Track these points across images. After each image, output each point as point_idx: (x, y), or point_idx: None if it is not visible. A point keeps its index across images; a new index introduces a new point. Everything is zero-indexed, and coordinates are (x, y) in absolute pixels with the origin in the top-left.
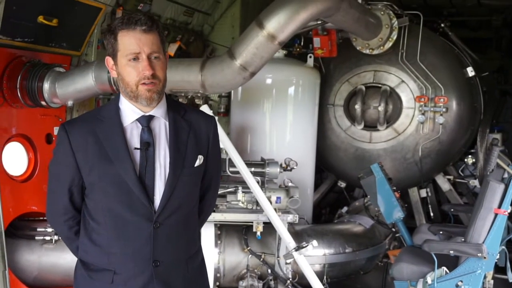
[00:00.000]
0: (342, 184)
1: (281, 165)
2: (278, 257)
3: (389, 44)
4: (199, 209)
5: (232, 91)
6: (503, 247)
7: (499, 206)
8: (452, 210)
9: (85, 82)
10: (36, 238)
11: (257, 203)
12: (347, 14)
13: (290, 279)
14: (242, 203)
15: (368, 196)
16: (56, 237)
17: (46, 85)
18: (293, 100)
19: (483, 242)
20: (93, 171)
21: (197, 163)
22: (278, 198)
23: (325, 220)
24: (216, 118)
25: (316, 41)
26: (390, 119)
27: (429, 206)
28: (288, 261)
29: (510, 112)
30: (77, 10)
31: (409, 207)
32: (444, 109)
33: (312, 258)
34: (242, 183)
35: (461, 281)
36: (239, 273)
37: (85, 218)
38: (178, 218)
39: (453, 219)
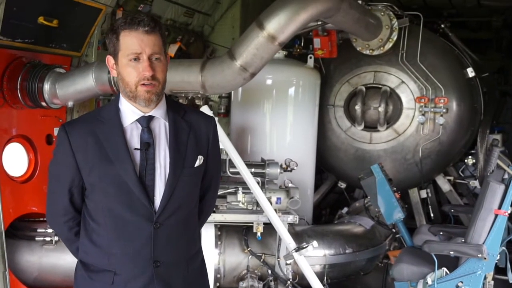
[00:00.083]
0: (342, 185)
1: (281, 165)
2: (278, 257)
3: (389, 45)
4: (199, 210)
5: (232, 92)
6: (503, 248)
7: (499, 207)
8: (452, 210)
9: (85, 83)
10: (36, 239)
11: (257, 204)
12: (347, 14)
13: (291, 280)
14: (243, 203)
15: (368, 197)
16: (56, 238)
17: (47, 86)
18: (293, 100)
19: (483, 243)
20: (93, 172)
21: (197, 163)
22: (278, 198)
23: (325, 221)
24: (216, 118)
25: (316, 42)
26: (390, 120)
27: (429, 206)
28: (288, 261)
29: (510, 113)
30: (77, 11)
31: (409, 207)
32: (444, 110)
33: (312, 258)
34: (242, 183)
35: (462, 282)
36: (239, 274)
37: (85, 219)
38: (178, 218)
39: (453, 220)
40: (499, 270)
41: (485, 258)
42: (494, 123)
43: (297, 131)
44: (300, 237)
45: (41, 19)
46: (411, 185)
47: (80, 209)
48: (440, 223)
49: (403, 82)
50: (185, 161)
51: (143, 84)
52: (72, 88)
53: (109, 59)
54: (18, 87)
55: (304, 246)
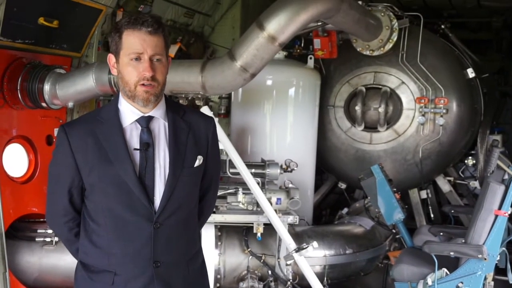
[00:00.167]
0: (343, 185)
1: (281, 166)
2: (278, 258)
3: (389, 46)
4: (199, 210)
5: (233, 92)
6: (504, 248)
7: (500, 208)
8: (452, 211)
9: (85, 84)
10: (37, 239)
11: (258, 204)
12: (347, 15)
13: (291, 280)
14: (243, 204)
15: (369, 198)
16: (56, 239)
17: (47, 87)
18: (294, 101)
19: (483, 244)
20: (93, 172)
21: (196, 163)
22: (278, 199)
23: (325, 222)
24: (217, 119)
25: (317, 43)
26: (390, 121)
27: (430, 207)
28: (288, 262)
29: (510, 114)
30: (77, 12)
31: (410, 208)
32: (444, 111)
33: (312, 259)
34: (243, 184)
35: (462, 283)
36: (240, 274)
37: (85, 220)
38: (178, 218)
39: (453, 221)
40: (499, 270)
41: (485, 259)
42: (494, 124)
43: (297, 132)
44: (300, 237)
45: (41, 20)
46: (411, 185)
47: (80, 210)
48: (440, 224)
49: (403, 82)
50: (184, 161)
51: (143, 84)
52: (72, 89)
53: (111, 57)
54: (18, 88)
55: (304, 247)
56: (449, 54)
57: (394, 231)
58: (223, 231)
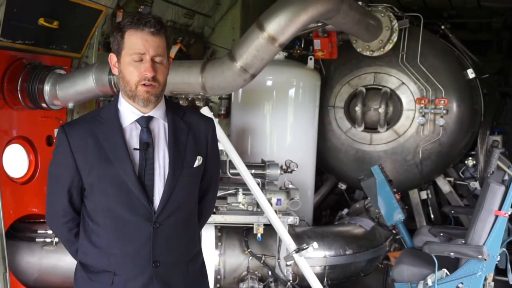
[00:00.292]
0: (343, 186)
1: (281, 167)
2: (278, 259)
3: (389, 46)
4: (199, 211)
5: (233, 93)
6: (504, 249)
7: (500, 208)
8: (452, 212)
9: (85, 84)
10: (37, 240)
11: (258, 205)
12: (347, 16)
13: (291, 281)
14: (243, 205)
15: (369, 198)
16: (56, 239)
17: (47, 87)
18: (294, 102)
19: (483, 244)
20: (92, 172)
21: (196, 164)
22: (278, 200)
23: (325, 222)
24: (217, 120)
25: (317, 43)
26: (390, 121)
27: (430, 208)
28: (288, 263)
29: (510, 114)
30: (77, 12)
31: (410, 209)
32: (444, 111)
33: (312, 260)
34: (243, 185)
35: (462, 283)
36: (240, 275)
37: (84, 220)
38: (177, 218)
39: (453, 221)
40: (500, 271)
41: (485, 259)
42: (494, 125)
43: (297, 132)
44: (300, 238)
45: (41, 21)
46: (411, 186)
47: (79, 210)
48: (440, 224)
49: (403, 83)
50: (184, 162)
51: (144, 85)
52: (72, 89)
53: (112, 57)
54: (18, 89)
55: (304, 247)
56: (449, 54)
57: (394, 231)
58: (223, 231)
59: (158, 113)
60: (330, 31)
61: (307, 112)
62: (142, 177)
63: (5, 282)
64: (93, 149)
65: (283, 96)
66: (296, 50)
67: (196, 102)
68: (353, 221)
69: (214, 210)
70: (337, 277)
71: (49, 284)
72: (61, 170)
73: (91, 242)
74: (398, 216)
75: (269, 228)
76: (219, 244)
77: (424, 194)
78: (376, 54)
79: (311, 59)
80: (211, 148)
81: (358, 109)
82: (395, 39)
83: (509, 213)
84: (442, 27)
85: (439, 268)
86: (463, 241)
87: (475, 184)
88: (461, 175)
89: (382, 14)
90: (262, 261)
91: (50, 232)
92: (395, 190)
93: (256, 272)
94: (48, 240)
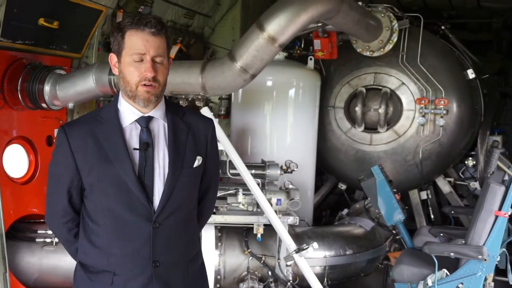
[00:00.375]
0: (343, 186)
1: (281, 167)
2: (278, 259)
3: (389, 46)
4: (199, 211)
5: (233, 93)
6: (504, 249)
7: (500, 208)
8: (452, 212)
9: (85, 84)
10: (37, 240)
11: (258, 205)
12: (347, 16)
13: (291, 281)
14: (243, 205)
15: (369, 198)
16: (56, 240)
17: (47, 87)
18: (294, 102)
19: (483, 244)
20: (92, 172)
21: (196, 164)
22: (278, 200)
23: (325, 222)
24: (217, 120)
25: (317, 43)
26: (390, 121)
27: (430, 208)
28: (288, 263)
29: (510, 114)
30: (77, 13)
31: (410, 209)
32: (444, 111)
33: (312, 260)
34: (243, 185)
35: (462, 283)
36: (240, 275)
37: (84, 220)
38: (177, 218)
39: (453, 221)
40: (500, 271)
41: (485, 260)
42: (494, 125)
43: (297, 133)
44: (300, 238)
45: (41, 21)
46: (411, 186)
47: (79, 210)
48: (440, 225)
49: (403, 83)
50: (184, 162)
51: (144, 85)
52: (72, 90)
53: (112, 57)
54: (18, 89)
55: (304, 248)
56: (449, 55)
57: (394, 232)
58: (223, 232)
59: (158, 113)
60: (330, 32)
61: (307, 112)
62: (142, 177)
63: (5, 282)
64: (93, 149)
65: (283, 96)
66: (296, 50)
67: (196, 102)
68: (353, 221)
69: (214, 210)
70: (337, 277)
71: (49, 284)
72: (61, 170)
73: (90, 242)
74: (398, 216)
75: (269, 228)
76: (219, 244)
77: (424, 195)
78: (376, 54)
79: (311, 59)
80: (211, 148)
81: (358, 109)
82: (395, 40)
83: (509, 213)
84: (442, 27)
85: (439, 268)
86: (463, 242)
87: (475, 185)
88: (461, 175)
89: (382, 15)
90: (262, 261)
91: (50, 232)
92: (395, 190)
93: (256, 272)
94: (48, 240)
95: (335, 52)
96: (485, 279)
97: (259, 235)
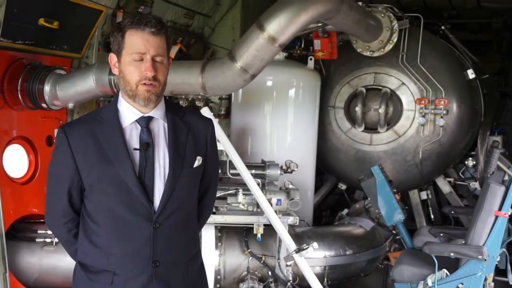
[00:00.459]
0: (343, 186)
1: (281, 167)
2: (278, 259)
3: (389, 47)
4: (198, 211)
5: (233, 93)
6: (504, 249)
7: (500, 209)
8: (452, 212)
9: (85, 84)
10: (37, 240)
11: (258, 205)
12: (347, 16)
13: (291, 281)
14: (243, 205)
15: (369, 198)
16: (56, 240)
17: (47, 88)
18: (294, 102)
19: (483, 245)
20: (92, 172)
21: (196, 164)
22: (278, 200)
23: (325, 222)
24: (217, 120)
25: (317, 43)
26: (390, 121)
27: (430, 208)
28: (288, 263)
29: (510, 115)
30: (77, 13)
31: (410, 209)
32: (444, 112)
33: (312, 260)
34: (243, 185)
35: (462, 283)
36: (240, 275)
37: (84, 220)
38: (177, 218)
39: (453, 222)
40: (500, 271)
41: (485, 260)
42: (494, 125)
43: (297, 133)
44: (300, 238)
45: (41, 21)
46: (412, 186)
47: (79, 211)
48: (440, 225)
49: (403, 83)
50: (184, 162)
51: (144, 84)
52: (72, 90)
53: (112, 57)
54: (18, 89)
55: (304, 248)
56: (449, 55)
57: (394, 232)
58: (223, 232)
59: (158, 113)
60: (330, 32)
61: (307, 112)
62: (142, 177)
63: (5, 282)
64: (93, 149)
65: (283, 97)
66: (296, 51)
67: (196, 102)
68: (353, 221)
69: (214, 210)
70: (337, 277)
71: (49, 284)
72: (61, 171)
73: (90, 242)
74: (398, 216)
75: (269, 228)
76: (219, 244)
77: (424, 195)
78: (376, 54)
79: (311, 59)
80: (210, 148)
81: (358, 109)
82: (395, 40)
83: (509, 213)
84: (442, 27)
85: (439, 269)
86: (463, 242)
87: (475, 185)
88: (461, 176)
89: (382, 15)
90: (262, 261)
91: (50, 232)
92: (395, 190)
93: (256, 272)
94: (48, 240)
95: (335, 52)
96: (485, 279)
97: (259, 235)
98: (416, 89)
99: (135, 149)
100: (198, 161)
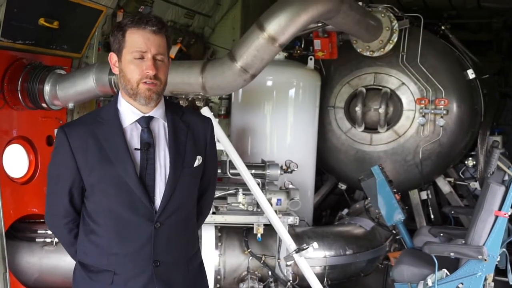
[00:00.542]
0: (343, 186)
1: (281, 167)
2: (278, 259)
3: (389, 47)
4: (198, 210)
5: (233, 93)
6: (504, 249)
7: (500, 208)
8: (452, 212)
9: (86, 84)
10: (37, 240)
11: (258, 205)
12: (347, 16)
13: (291, 281)
14: (243, 205)
15: (369, 198)
16: (56, 239)
17: (47, 87)
18: (294, 102)
19: (483, 244)
20: (93, 173)
21: (196, 163)
22: (278, 200)
23: (325, 222)
24: (217, 120)
25: (317, 43)
26: (390, 121)
27: (430, 208)
28: (288, 263)
29: (510, 115)
30: (78, 13)
31: (410, 209)
32: (444, 112)
33: (312, 260)
34: (243, 185)
35: (462, 283)
36: (240, 275)
37: (84, 220)
38: (178, 218)
39: (453, 221)
40: (500, 271)
41: (485, 260)
42: (494, 125)
43: (297, 133)
44: (300, 238)
45: (41, 21)
46: (412, 186)
47: (79, 211)
48: (440, 225)
49: (403, 83)
50: (184, 161)
51: (145, 83)
52: (72, 90)
53: (112, 56)
54: (18, 89)
55: (304, 248)
56: (449, 55)
57: (394, 232)
58: (223, 232)
59: (158, 113)
60: (330, 32)
61: (307, 112)
62: (143, 177)
63: (5, 282)
64: (93, 149)
65: (283, 96)
66: (296, 50)
67: (196, 102)
68: (353, 221)
69: (214, 210)
70: (337, 277)
71: (49, 284)
72: (61, 171)
73: (91, 242)
74: (398, 216)
75: (269, 228)
76: (219, 244)
77: (424, 195)
78: (376, 54)
79: (311, 59)
80: (210, 148)
81: (358, 109)
82: (395, 40)
83: (509, 213)
84: (442, 27)
85: (439, 268)
86: (463, 242)
87: (475, 185)
88: (461, 176)
89: (382, 15)
90: (262, 261)
91: (50, 232)
92: (395, 190)
93: (256, 272)
94: (48, 240)
95: (335, 52)
96: (485, 279)
97: (259, 235)
98: (416, 89)
99: (136, 149)
100: (198, 161)
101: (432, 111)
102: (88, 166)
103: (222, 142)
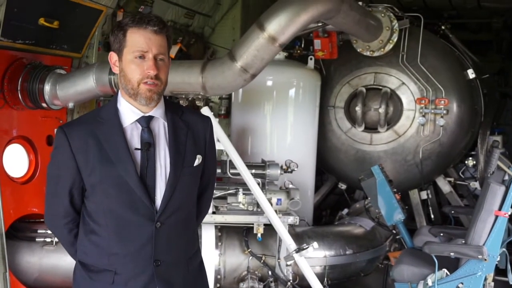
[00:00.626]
0: (343, 186)
1: (281, 167)
2: (278, 259)
3: (389, 46)
4: (197, 209)
5: (233, 93)
6: (504, 249)
7: (500, 208)
8: (452, 212)
9: (86, 84)
10: (37, 240)
11: (258, 205)
12: (347, 16)
13: (291, 281)
14: (243, 205)
15: (369, 198)
16: (56, 239)
17: (47, 87)
18: (294, 102)
19: (483, 244)
20: (94, 173)
21: (196, 163)
22: (278, 200)
23: (325, 222)
24: (217, 120)
25: (317, 43)
26: (390, 121)
27: (430, 208)
28: (288, 262)
29: (510, 114)
30: (78, 12)
31: (410, 209)
32: (444, 111)
33: (312, 260)
34: (243, 185)
35: (462, 283)
36: (240, 275)
37: (84, 220)
38: (178, 218)
39: (453, 221)
40: (500, 271)
41: (485, 260)
42: (494, 125)
43: (297, 132)
44: (300, 238)
45: (41, 21)
46: (412, 186)
47: (79, 211)
48: (440, 225)
49: (403, 83)
50: (184, 161)
51: (146, 83)
52: (72, 89)
53: (112, 55)
54: (18, 88)
55: (304, 247)
56: (450, 55)
57: (394, 231)
58: (223, 231)
59: (158, 113)
60: (331, 31)
61: (307, 112)
62: (144, 177)
63: (5, 282)
64: (94, 149)
65: (283, 96)
66: (296, 50)
67: (196, 102)
68: (353, 221)
69: (214, 210)
70: (337, 277)
71: (49, 284)
72: (61, 172)
73: (91, 242)
74: (398, 216)
75: (269, 228)
76: (219, 244)
77: (424, 194)
78: (376, 54)
79: (311, 59)
80: (209, 147)
81: (358, 109)
82: (395, 39)
83: (509, 213)
84: (443, 27)
85: (439, 268)
86: (463, 241)
87: (475, 184)
88: (461, 175)
89: (383, 14)
90: (262, 261)
91: (50, 232)
92: (395, 190)
93: (256, 272)
94: (48, 240)
95: (335, 52)
96: (485, 279)
97: (259, 235)
98: (416, 89)
99: (136, 149)
100: (198, 160)
101: (432, 111)
102: (89, 167)
103: (222, 142)
